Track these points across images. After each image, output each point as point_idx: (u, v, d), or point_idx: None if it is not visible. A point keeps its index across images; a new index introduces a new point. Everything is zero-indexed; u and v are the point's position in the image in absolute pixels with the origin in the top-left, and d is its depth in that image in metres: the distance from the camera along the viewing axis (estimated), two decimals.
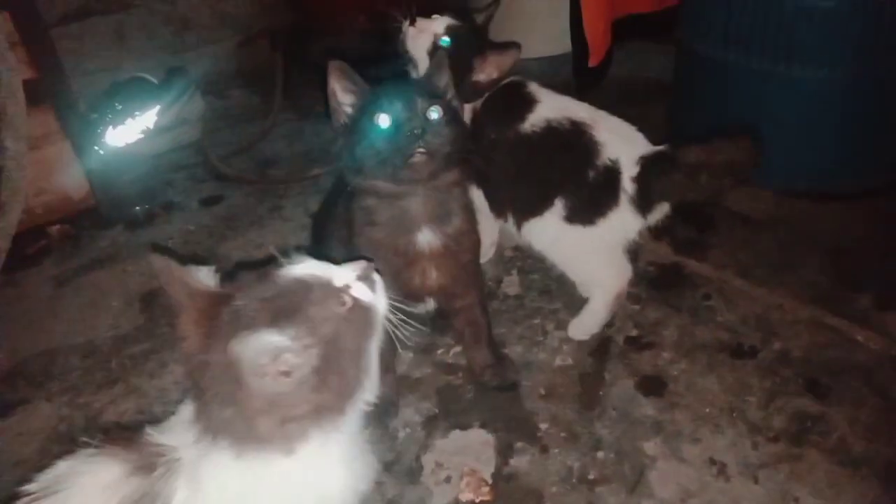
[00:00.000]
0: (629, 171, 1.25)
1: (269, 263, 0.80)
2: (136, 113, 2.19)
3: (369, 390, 0.79)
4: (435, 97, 1.04)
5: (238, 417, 0.72)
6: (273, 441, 0.73)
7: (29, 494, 0.74)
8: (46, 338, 1.51)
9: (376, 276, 0.82)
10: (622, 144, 1.27)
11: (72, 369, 1.42)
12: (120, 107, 2.19)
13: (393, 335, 0.85)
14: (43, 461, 0.79)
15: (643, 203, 1.25)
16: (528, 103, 1.34)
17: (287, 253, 0.80)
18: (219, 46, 2.67)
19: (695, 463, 1.14)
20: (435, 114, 1.02)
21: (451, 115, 1.06)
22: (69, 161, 1.88)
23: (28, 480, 0.76)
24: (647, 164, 1.24)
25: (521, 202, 1.35)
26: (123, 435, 0.81)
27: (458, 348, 1.39)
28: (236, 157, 2.18)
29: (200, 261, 0.84)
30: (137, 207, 1.95)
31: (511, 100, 1.36)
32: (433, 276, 1.13)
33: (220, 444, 0.73)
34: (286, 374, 0.69)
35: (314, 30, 2.62)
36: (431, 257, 1.11)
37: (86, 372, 1.41)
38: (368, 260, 0.83)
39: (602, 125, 1.29)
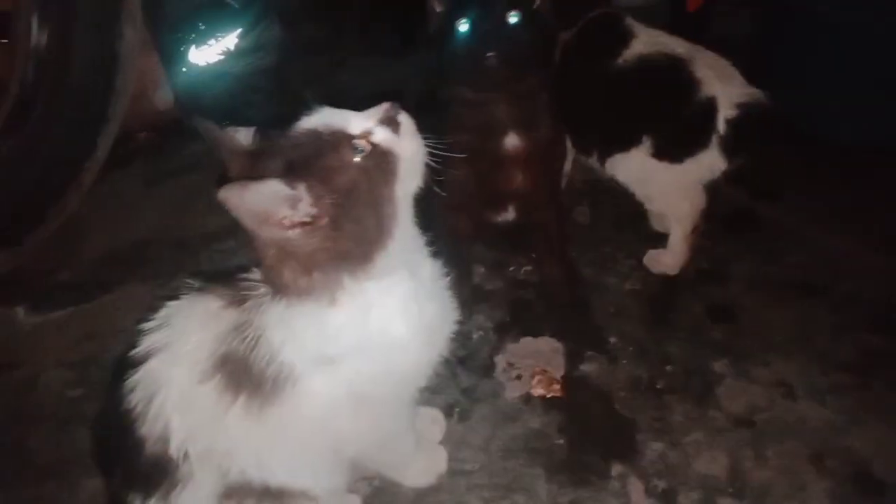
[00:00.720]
0: (725, 110, 1.24)
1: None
2: (219, 34, 2.26)
3: (399, 237, 0.76)
4: (517, 2, 1.05)
5: (268, 270, 0.76)
6: (310, 292, 0.74)
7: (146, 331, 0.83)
8: (139, 229, 1.60)
9: (403, 118, 0.77)
10: (720, 82, 1.26)
11: (164, 258, 1.51)
12: (203, 27, 2.26)
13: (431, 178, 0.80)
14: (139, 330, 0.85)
15: (733, 148, 1.26)
16: (624, 38, 1.33)
17: (309, 104, 0.78)
18: None
19: (763, 383, 1.18)
20: (514, 18, 1.03)
21: (533, 21, 1.06)
22: (157, 73, 1.96)
23: (131, 345, 0.84)
24: (746, 111, 1.24)
25: (606, 137, 1.37)
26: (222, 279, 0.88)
27: (529, 267, 1.44)
28: (309, 86, 2.23)
29: None
30: (219, 123, 2.02)
31: (605, 34, 1.37)
32: (518, 180, 1.16)
33: (274, 296, 0.77)
34: (294, 223, 0.70)
35: None
36: (517, 161, 1.14)
37: (177, 262, 1.50)
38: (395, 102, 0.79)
39: (700, 61, 1.28)
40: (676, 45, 1.32)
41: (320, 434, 0.82)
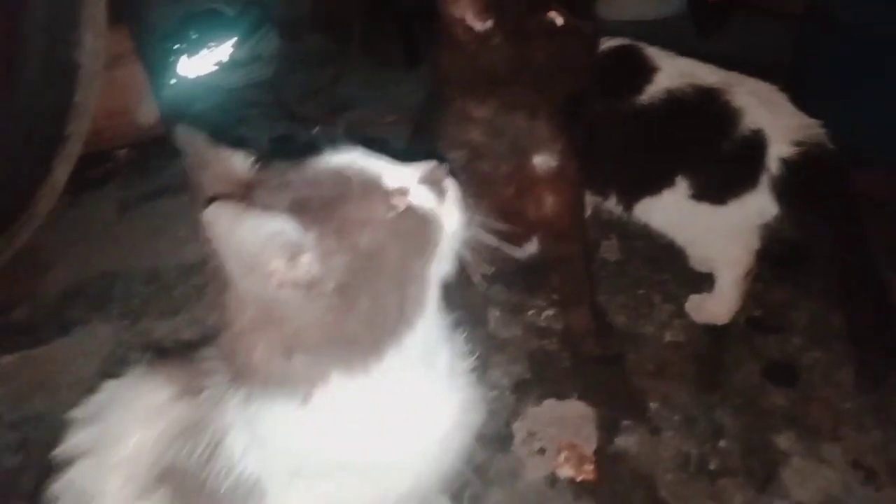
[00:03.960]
0: (777, 147, 1.06)
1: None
2: (212, 44, 2.09)
3: (420, 329, 0.57)
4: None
5: (235, 340, 0.55)
6: (283, 382, 0.55)
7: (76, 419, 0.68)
8: (108, 260, 1.42)
9: (449, 183, 0.60)
10: (766, 111, 1.08)
11: (133, 294, 1.33)
12: (195, 36, 2.09)
13: (466, 266, 0.62)
14: (99, 383, 0.71)
15: (789, 196, 1.06)
16: (646, 72, 1.14)
17: (335, 139, 0.61)
18: None
19: (836, 464, 0.97)
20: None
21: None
22: (141, 85, 1.79)
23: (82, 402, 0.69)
24: (807, 154, 1.05)
25: (632, 181, 1.18)
26: (179, 355, 0.71)
27: (550, 311, 1.25)
28: (309, 100, 2.07)
29: None
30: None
31: (625, 68, 1.17)
32: (547, 205, 0.99)
33: (234, 382, 0.58)
34: (287, 280, 0.51)
35: None
36: (547, 183, 0.98)
37: (147, 298, 1.32)
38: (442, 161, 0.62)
39: (739, 89, 1.09)
40: (708, 74, 1.12)
41: None
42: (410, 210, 0.56)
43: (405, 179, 0.57)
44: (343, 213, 0.53)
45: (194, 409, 0.63)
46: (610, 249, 1.40)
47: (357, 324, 0.54)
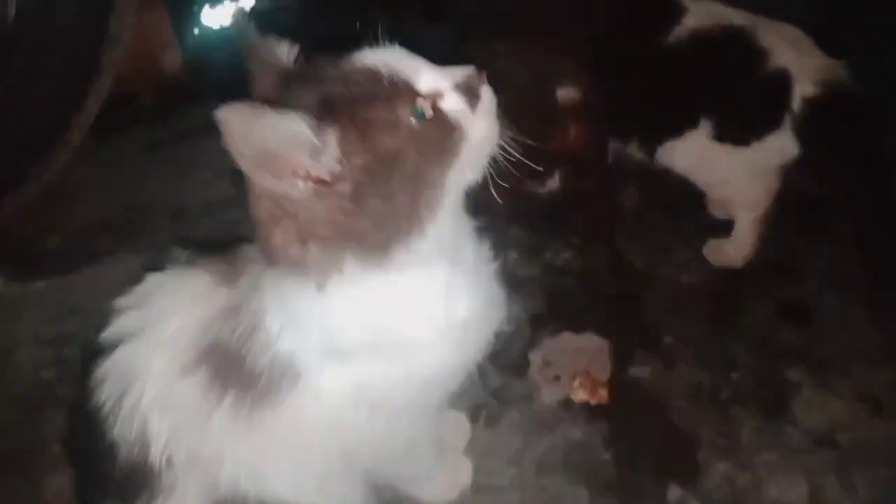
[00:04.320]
0: (802, 86, 1.06)
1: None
2: None
3: (433, 235, 0.58)
4: None
5: (258, 227, 0.58)
6: (301, 266, 0.57)
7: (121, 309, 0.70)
8: (135, 196, 1.46)
9: (485, 91, 0.60)
10: (792, 51, 1.08)
11: (159, 228, 1.37)
12: None
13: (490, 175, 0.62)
14: None
15: (810, 134, 1.07)
16: (673, 13, 1.14)
17: (377, 36, 0.60)
18: None
19: (845, 396, 1.00)
20: None
21: None
22: (166, 32, 1.81)
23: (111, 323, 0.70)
24: (830, 94, 1.05)
25: (655, 123, 1.19)
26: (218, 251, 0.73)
27: (568, 253, 1.27)
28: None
29: None
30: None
31: (652, 9, 1.18)
32: (570, 137, 1.02)
33: (267, 266, 0.61)
34: (308, 176, 0.53)
35: None
36: (572, 115, 1.00)
37: (174, 232, 1.35)
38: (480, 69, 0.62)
39: (766, 30, 1.10)
40: (735, 16, 1.13)
41: (326, 442, 0.66)
42: (438, 115, 0.57)
43: (439, 83, 0.58)
44: (369, 113, 0.55)
45: (234, 294, 0.66)
46: (630, 197, 1.40)
47: (367, 222, 0.56)
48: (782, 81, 1.07)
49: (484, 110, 0.60)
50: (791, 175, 1.14)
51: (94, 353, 0.69)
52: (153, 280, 0.71)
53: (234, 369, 0.63)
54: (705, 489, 0.90)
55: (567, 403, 1.01)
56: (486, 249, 0.72)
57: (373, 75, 0.56)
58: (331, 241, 0.56)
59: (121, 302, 0.71)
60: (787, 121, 1.07)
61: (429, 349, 0.64)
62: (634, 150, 1.24)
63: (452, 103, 0.58)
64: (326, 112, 0.53)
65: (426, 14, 2.18)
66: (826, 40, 1.13)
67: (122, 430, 0.65)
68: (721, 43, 1.10)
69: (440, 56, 0.62)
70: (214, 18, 2.06)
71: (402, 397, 0.66)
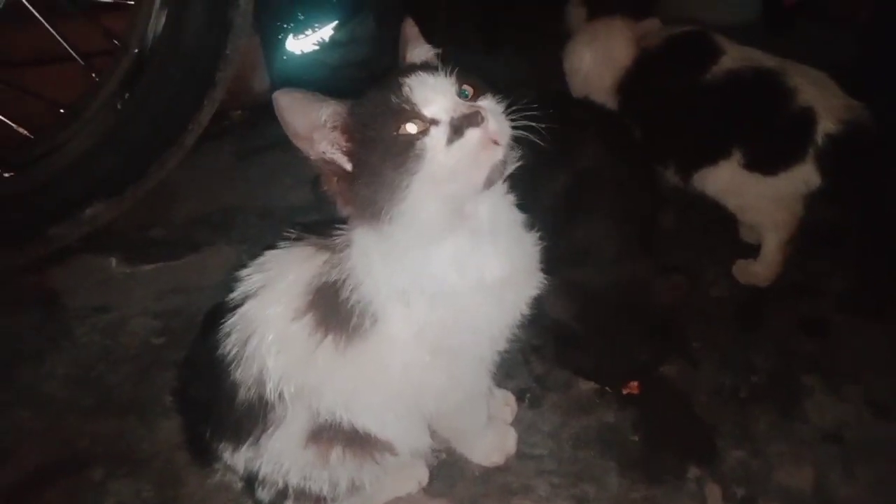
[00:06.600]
0: (826, 123, 1.18)
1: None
2: (315, 25, 2.34)
3: (399, 221, 0.70)
4: None
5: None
6: (350, 223, 0.76)
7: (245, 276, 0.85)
8: (228, 197, 1.66)
9: (470, 134, 0.68)
10: (817, 91, 1.21)
11: (250, 225, 1.56)
12: (302, 17, 2.35)
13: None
14: (224, 289, 0.88)
15: (831, 166, 1.19)
16: (712, 54, 1.30)
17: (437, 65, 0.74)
18: None
19: (854, 400, 1.12)
20: None
21: None
22: (257, 56, 2.05)
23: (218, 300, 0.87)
24: (851, 129, 1.18)
25: (692, 152, 1.34)
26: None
27: None
28: None
29: None
30: None
31: (692, 50, 1.34)
32: None
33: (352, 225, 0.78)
34: (323, 153, 0.71)
35: None
36: None
37: (262, 229, 1.54)
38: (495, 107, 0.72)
39: (794, 72, 1.24)
40: (767, 60, 1.28)
41: (398, 381, 0.81)
42: (405, 137, 0.68)
43: (440, 114, 0.69)
44: (374, 114, 0.70)
45: (332, 253, 0.81)
46: (666, 219, 1.54)
47: (362, 197, 0.71)
48: (807, 118, 1.20)
49: (459, 147, 0.68)
50: (813, 203, 1.26)
51: (218, 314, 0.84)
52: (269, 253, 0.86)
53: (333, 312, 0.77)
54: (721, 471, 1.02)
55: (601, 392, 1.14)
56: (522, 222, 0.83)
57: (396, 86, 0.70)
58: (352, 204, 0.72)
59: (243, 272, 0.86)
60: (811, 154, 1.20)
61: (468, 300, 0.77)
62: (671, 175, 1.39)
63: (434, 140, 0.69)
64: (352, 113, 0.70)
65: (485, 47, 2.38)
66: (854, 85, 1.27)
67: (243, 373, 0.80)
68: (753, 82, 1.25)
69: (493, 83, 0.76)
70: (298, 46, 2.31)
71: (455, 342, 0.79)
